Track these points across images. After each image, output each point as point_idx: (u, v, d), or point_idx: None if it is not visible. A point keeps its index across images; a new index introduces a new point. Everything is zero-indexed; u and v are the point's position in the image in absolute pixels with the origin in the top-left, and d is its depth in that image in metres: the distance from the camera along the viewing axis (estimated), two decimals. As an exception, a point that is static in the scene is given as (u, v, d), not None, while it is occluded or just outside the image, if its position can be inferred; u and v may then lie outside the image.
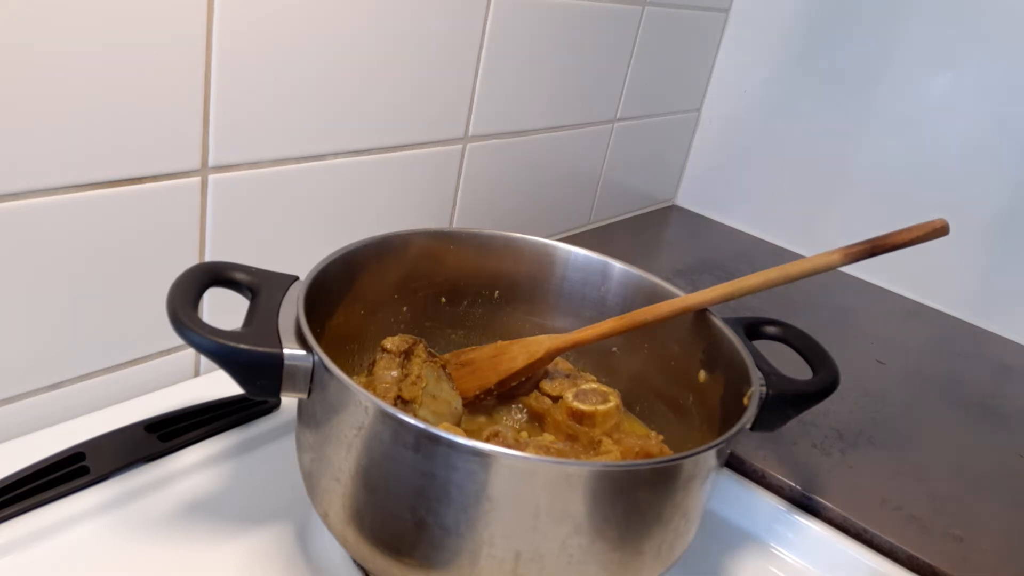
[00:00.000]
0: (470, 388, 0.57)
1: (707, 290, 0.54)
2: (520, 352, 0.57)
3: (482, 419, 0.58)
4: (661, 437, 0.55)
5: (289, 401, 0.58)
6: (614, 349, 0.63)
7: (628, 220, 1.14)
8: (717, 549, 0.57)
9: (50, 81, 0.46)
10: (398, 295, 0.60)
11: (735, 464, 0.63)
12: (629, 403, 0.61)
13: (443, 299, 0.63)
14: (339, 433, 0.41)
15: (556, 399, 0.57)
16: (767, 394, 0.48)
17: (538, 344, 0.57)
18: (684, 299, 0.54)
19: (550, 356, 0.57)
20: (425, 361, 0.54)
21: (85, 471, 0.49)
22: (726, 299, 0.53)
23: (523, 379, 0.57)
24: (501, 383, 0.57)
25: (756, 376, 0.49)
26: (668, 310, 0.54)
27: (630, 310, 0.55)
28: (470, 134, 0.79)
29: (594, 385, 0.59)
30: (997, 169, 0.96)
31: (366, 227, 0.71)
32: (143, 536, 0.47)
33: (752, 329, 0.55)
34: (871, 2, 1.01)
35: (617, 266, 0.61)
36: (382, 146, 0.69)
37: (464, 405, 0.56)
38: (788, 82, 1.10)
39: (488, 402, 0.58)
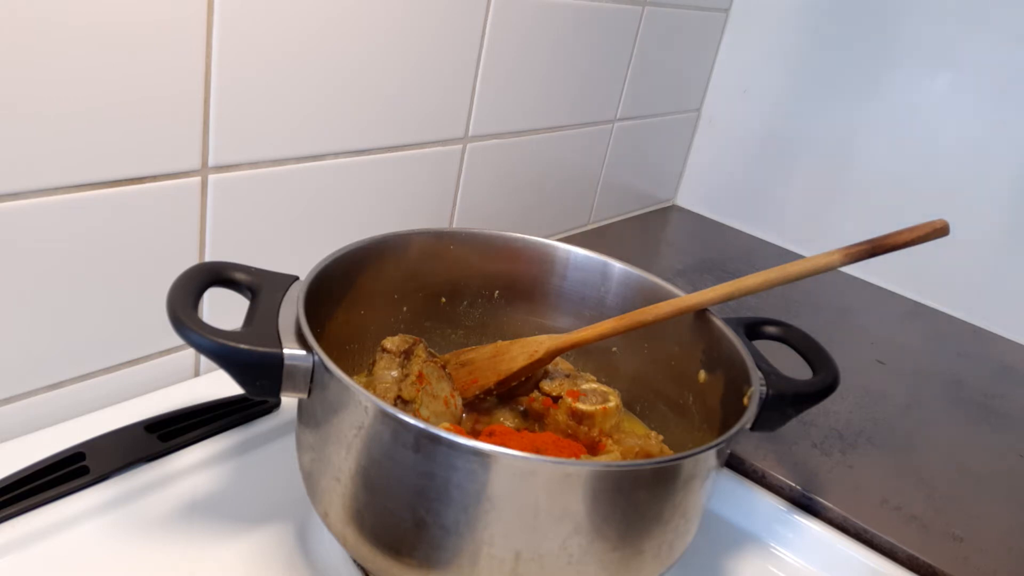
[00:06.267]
0: (470, 388, 0.57)
1: (707, 290, 0.54)
2: (520, 352, 0.57)
3: (482, 419, 0.58)
4: (661, 437, 0.55)
5: (289, 401, 0.58)
6: (614, 349, 0.63)
7: (628, 220, 1.14)
8: (717, 549, 0.57)
9: (50, 81, 0.46)
10: (398, 295, 0.60)
11: (735, 464, 0.63)
12: (629, 403, 0.61)
13: (443, 299, 0.63)
14: (339, 433, 0.41)
15: (556, 399, 0.57)
16: (767, 394, 0.48)
17: (538, 344, 0.57)
18: (684, 299, 0.54)
19: (550, 356, 0.57)
20: (425, 361, 0.54)
21: (85, 471, 0.49)
22: (726, 299, 0.53)
23: (523, 379, 0.57)
24: (501, 383, 0.57)
25: (756, 376, 0.49)
26: (668, 310, 0.54)
27: (630, 310, 0.55)
28: (470, 134, 0.79)
29: (594, 385, 0.59)
30: (997, 169, 0.96)
31: (366, 227, 0.71)
32: (143, 536, 0.47)
33: (752, 329, 0.55)
34: (871, 2, 1.01)
35: (617, 266, 0.61)
36: (382, 146, 0.69)
37: (464, 405, 0.56)
38: (788, 82, 1.10)
39: (488, 402, 0.58)
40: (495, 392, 0.57)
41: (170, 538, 0.48)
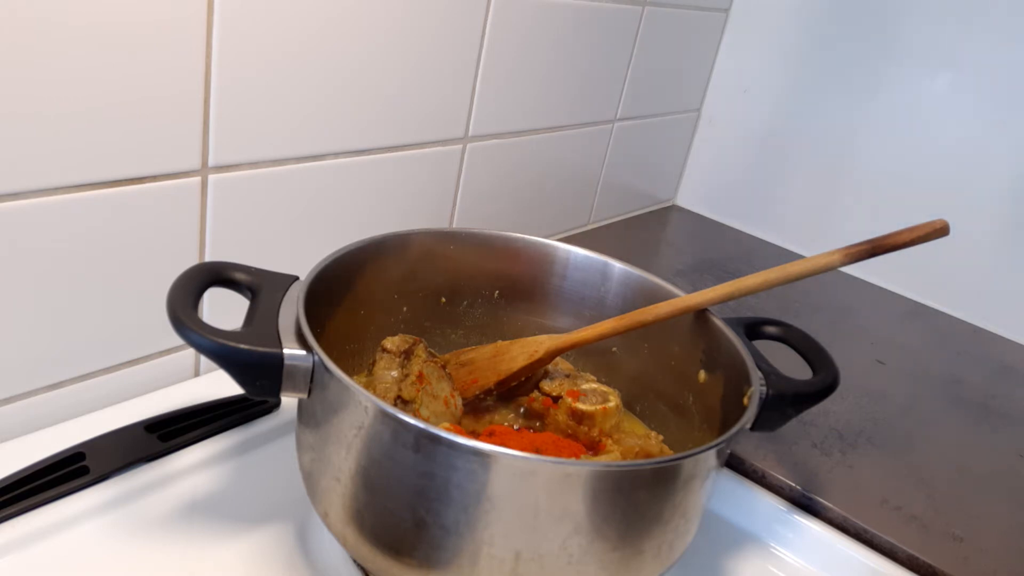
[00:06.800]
0: (470, 388, 0.57)
1: (707, 290, 0.54)
2: (520, 352, 0.57)
3: (482, 419, 0.58)
4: (661, 437, 0.55)
5: (289, 401, 0.58)
6: (614, 349, 0.63)
7: (628, 220, 1.14)
8: (717, 549, 0.57)
9: (50, 81, 0.46)
10: (398, 295, 0.60)
11: (735, 464, 0.63)
12: (629, 403, 0.61)
13: (443, 299, 0.63)
14: (339, 433, 0.41)
15: (556, 399, 0.57)
16: (767, 394, 0.48)
17: (538, 344, 0.57)
18: (684, 299, 0.54)
19: (550, 356, 0.57)
20: (425, 361, 0.54)
21: (85, 471, 0.49)
22: (726, 299, 0.53)
23: (523, 379, 0.57)
24: (501, 383, 0.57)
25: (756, 376, 0.49)
26: (668, 310, 0.54)
27: (630, 310, 0.55)
28: (470, 134, 0.79)
29: (594, 385, 0.59)
30: (997, 169, 0.96)
31: (366, 227, 0.71)
32: (143, 536, 0.47)
33: (752, 329, 0.55)
34: (871, 2, 1.01)
35: (617, 266, 0.61)
36: (382, 146, 0.69)
37: (464, 405, 0.56)
38: (788, 82, 1.10)
39: (488, 402, 0.58)
40: (495, 392, 0.57)
41: (170, 538, 0.48)
